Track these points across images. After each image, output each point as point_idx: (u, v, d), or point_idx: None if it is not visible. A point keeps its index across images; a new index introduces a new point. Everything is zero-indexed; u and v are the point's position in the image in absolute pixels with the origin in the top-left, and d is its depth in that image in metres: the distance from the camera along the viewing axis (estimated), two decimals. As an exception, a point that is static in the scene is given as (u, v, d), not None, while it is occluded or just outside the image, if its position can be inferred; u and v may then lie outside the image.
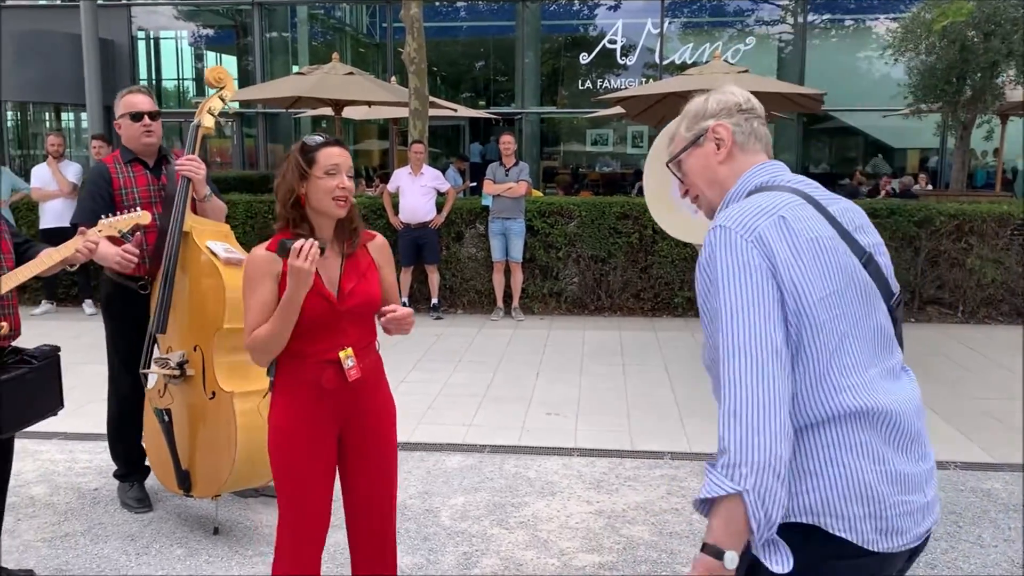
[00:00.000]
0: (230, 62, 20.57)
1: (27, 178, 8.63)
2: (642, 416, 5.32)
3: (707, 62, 12.35)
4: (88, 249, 3.02)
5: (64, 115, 20.15)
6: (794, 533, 1.49)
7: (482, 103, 18.72)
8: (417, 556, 3.50)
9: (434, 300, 8.43)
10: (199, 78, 20.51)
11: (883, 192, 13.75)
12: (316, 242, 2.25)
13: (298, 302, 2.28)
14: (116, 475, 4.06)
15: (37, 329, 7.68)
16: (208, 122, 3.72)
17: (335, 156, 2.37)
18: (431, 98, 10.40)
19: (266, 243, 2.38)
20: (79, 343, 6.84)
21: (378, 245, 2.57)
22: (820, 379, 1.52)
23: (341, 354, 2.40)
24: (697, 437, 4.92)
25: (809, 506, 1.51)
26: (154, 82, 20.10)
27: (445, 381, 6.09)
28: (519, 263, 8.24)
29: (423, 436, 4.92)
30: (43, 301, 8.59)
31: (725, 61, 11.17)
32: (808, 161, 18.05)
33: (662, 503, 4.03)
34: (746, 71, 10.10)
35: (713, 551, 1.43)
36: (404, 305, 2.50)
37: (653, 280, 8.40)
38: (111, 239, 3.31)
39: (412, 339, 6.69)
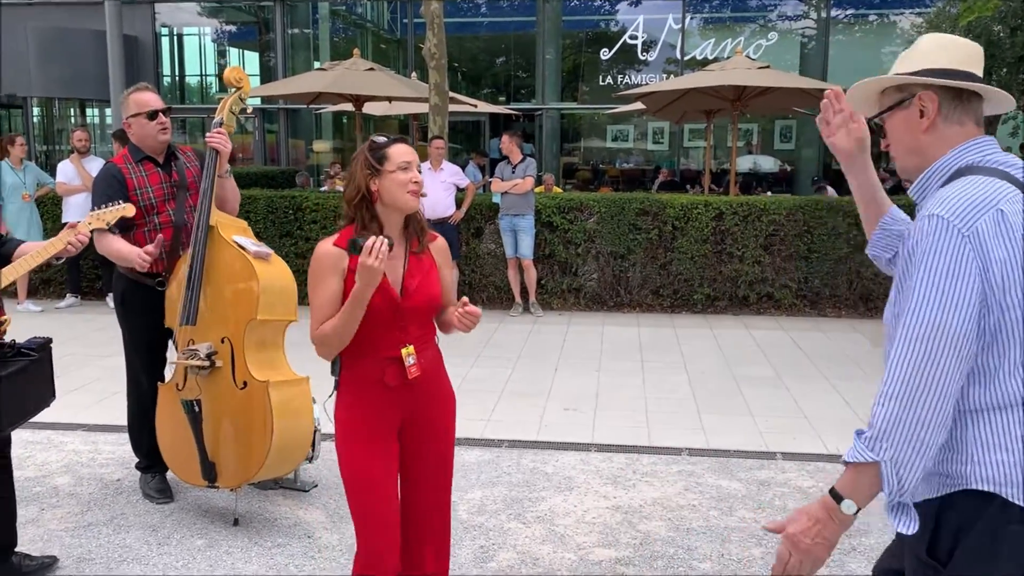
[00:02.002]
0: (252, 58, 20.69)
1: (52, 173, 8.74)
2: (660, 412, 5.31)
3: (728, 57, 12.27)
4: (79, 242, 3.05)
5: (88, 111, 20.35)
6: (974, 498, 1.58)
7: (502, 99, 18.71)
8: (434, 549, 3.51)
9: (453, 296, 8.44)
10: (221, 74, 20.66)
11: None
12: (386, 239, 2.27)
13: (366, 299, 2.31)
14: (138, 467, 4.11)
15: (62, 322, 7.79)
16: (229, 120, 3.78)
17: (407, 152, 2.44)
18: (451, 94, 10.41)
19: (332, 238, 2.43)
20: (103, 336, 6.92)
21: (439, 246, 2.63)
22: (1017, 366, 1.57)
23: (403, 351, 2.45)
24: (715, 433, 4.91)
25: (993, 477, 1.57)
26: (177, 78, 20.27)
27: (464, 376, 6.11)
28: (531, 259, 8.24)
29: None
30: (68, 295, 8.71)
31: (747, 56, 11.10)
32: (830, 158, 17.90)
33: (679, 499, 4.02)
34: (767, 67, 10.01)
35: (835, 495, 1.60)
36: None
37: (672, 276, 8.37)
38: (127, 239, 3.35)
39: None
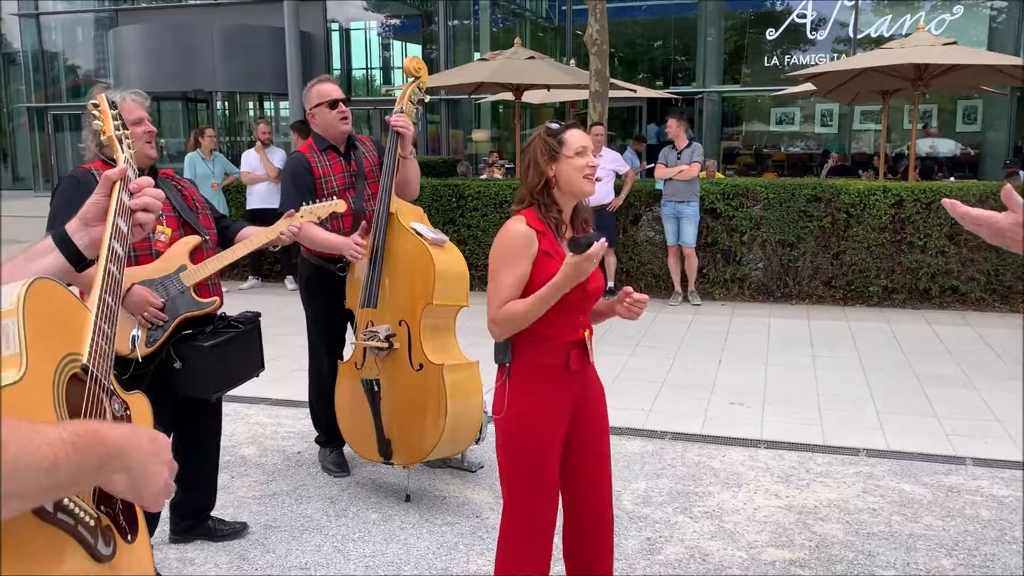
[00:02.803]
0: (415, 51, 21.33)
1: (236, 163, 9.35)
2: (834, 409, 5.05)
3: (907, 34, 11.48)
4: (292, 232, 3.21)
5: (266, 104, 21.64)
6: None
7: (660, 83, 18.37)
8: (600, 538, 3.50)
9: (610, 283, 8.38)
10: (386, 67, 21.42)
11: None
12: (604, 241, 2.28)
13: (566, 290, 2.31)
14: (317, 441, 4.33)
15: (245, 302, 8.33)
16: (409, 109, 3.89)
17: (582, 137, 2.46)
18: (611, 80, 10.31)
19: (521, 218, 2.42)
20: (282, 315, 7.34)
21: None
22: None
23: (585, 334, 2.46)
24: (896, 434, 4.62)
25: None
26: (344, 72, 21.19)
27: (623, 365, 6.05)
28: (692, 248, 8.04)
29: (603, 419, 4.90)
30: (250, 277, 9.33)
31: (929, 32, 10.33)
32: (1022, 140, 16.43)
33: (857, 501, 3.81)
34: (954, 43, 9.28)
35: None
36: (610, 290, 2.55)
37: (846, 267, 7.94)
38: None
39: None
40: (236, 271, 9.53)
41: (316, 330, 4.17)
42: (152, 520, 3.17)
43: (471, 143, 20.58)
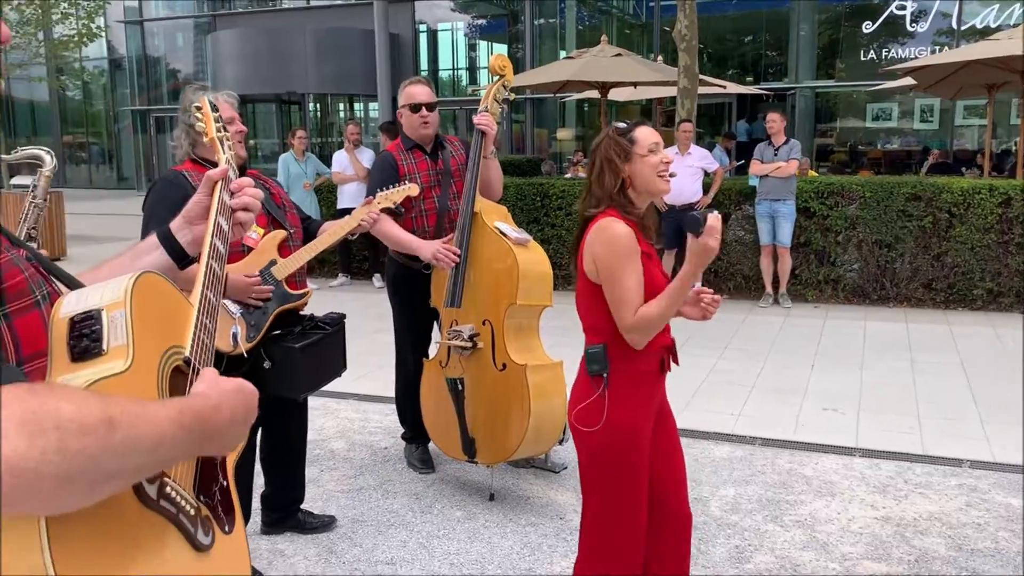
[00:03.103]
0: (501, 50, 21.42)
1: (328, 164, 9.56)
2: (935, 418, 4.83)
3: (1015, 25, 10.89)
4: (371, 219, 3.23)
5: (356, 105, 22.10)
6: None
7: (750, 79, 17.96)
8: (687, 544, 3.43)
9: (697, 284, 8.22)
10: (472, 67, 21.59)
11: None
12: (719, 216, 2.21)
13: (697, 279, 2.23)
14: (403, 437, 4.38)
15: (334, 299, 8.52)
16: (493, 108, 3.89)
17: (653, 134, 2.39)
18: (700, 76, 10.13)
19: (615, 219, 2.31)
20: (370, 312, 7.47)
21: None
22: None
23: (672, 336, 2.41)
24: (1003, 446, 4.38)
25: None
26: (432, 72, 21.46)
27: (711, 367, 5.92)
28: (787, 247, 7.81)
29: (688, 422, 4.80)
30: (340, 274, 9.52)
31: (1041, 21, 9.80)
32: None
33: (961, 515, 3.63)
34: (1070, 31, 8.75)
35: None
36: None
37: (947, 269, 7.59)
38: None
39: (674, 322, 6.50)
40: (327, 269, 9.75)
41: (402, 328, 4.22)
42: (245, 512, 3.25)
43: (555, 142, 20.57)
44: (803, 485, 3.98)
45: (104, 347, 1.04)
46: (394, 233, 3.80)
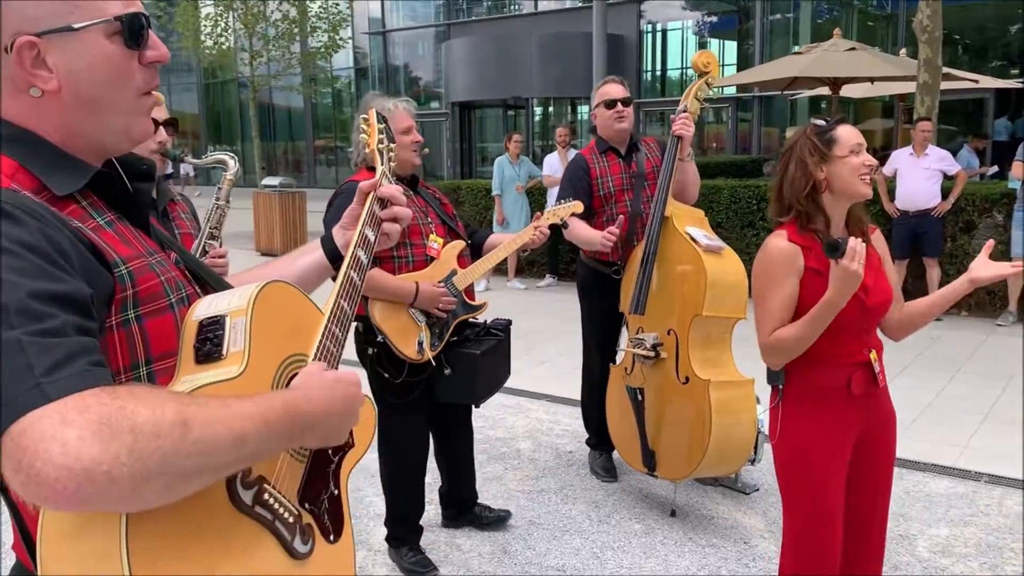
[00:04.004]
0: (730, 47, 20.78)
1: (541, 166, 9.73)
2: None
3: None
4: (541, 234, 3.21)
5: (579, 108, 22.35)
6: None
7: (1015, 72, 16.09)
8: (883, 586, 3.11)
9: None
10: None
11: None
12: (862, 241, 2.09)
13: (840, 306, 2.10)
14: (588, 442, 4.34)
15: (540, 299, 8.65)
16: (693, 107, 3.73)
17: (856, 134, 2.24)
18: (947, 69, 9.21)
19: (783, 233, 2.26)
20: (572, 314, 7.46)
21: (878, 237, 2.39)
22: None
23: (871, 355, 2.26)
24: None
25: None
26: (658, 73, 21.21)
27: (938, 391, 5.35)
28: None
29: (904, 451, 4.30)
30: (547, 275, 9.67)
31: None
32: None
33: None
34: None
35: None
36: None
37: None
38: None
39: (903, 342, 5.94)
40: (535, 269, 9.93)
41: (590, 331, 4.18)
42: (417, 508, 3.38)
43: (786, 142, 19.61)
44: (1035, 534, 3.48)
45: (224, 352, 1.09)
46: (575, 232, 3.71)
